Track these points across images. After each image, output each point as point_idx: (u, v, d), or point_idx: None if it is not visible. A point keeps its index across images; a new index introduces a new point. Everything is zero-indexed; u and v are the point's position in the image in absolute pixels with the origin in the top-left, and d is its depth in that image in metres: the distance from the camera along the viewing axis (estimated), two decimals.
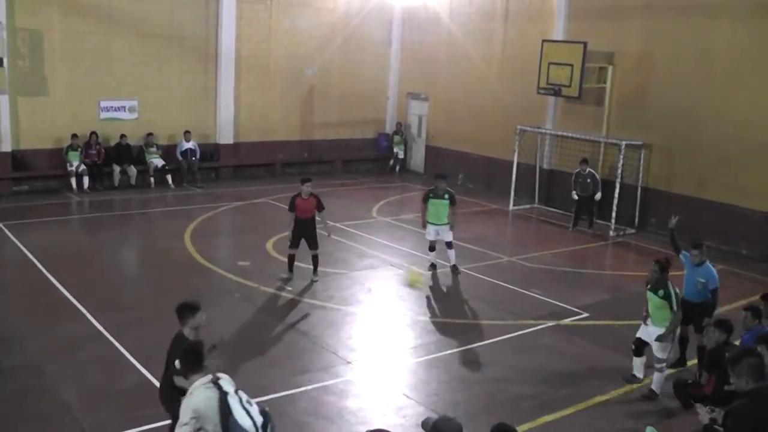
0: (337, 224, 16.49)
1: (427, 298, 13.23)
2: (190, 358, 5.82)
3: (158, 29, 21.69)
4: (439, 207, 14.23)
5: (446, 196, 14.27)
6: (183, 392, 5.78)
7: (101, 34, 20.82)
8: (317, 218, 13.48)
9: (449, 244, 14.44)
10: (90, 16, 20.64)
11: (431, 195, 14.36)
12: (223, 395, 5.49)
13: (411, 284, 13.54)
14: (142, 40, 21.46)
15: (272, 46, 23.85)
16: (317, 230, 13.51)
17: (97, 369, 9.70)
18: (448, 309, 12.87)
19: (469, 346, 11.06)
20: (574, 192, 18.67)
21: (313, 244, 13.44)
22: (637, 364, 10.02)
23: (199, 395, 5.51)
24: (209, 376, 5.63)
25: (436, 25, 24.68)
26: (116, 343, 10.39)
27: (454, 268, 14.48)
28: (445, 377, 10.02)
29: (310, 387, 9.46)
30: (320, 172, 23.97)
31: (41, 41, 20.07)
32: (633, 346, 10.00)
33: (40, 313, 11.57)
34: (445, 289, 13.85)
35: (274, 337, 11.07)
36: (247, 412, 5.50)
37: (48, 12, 20.06)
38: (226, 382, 5.66)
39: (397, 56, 26.41)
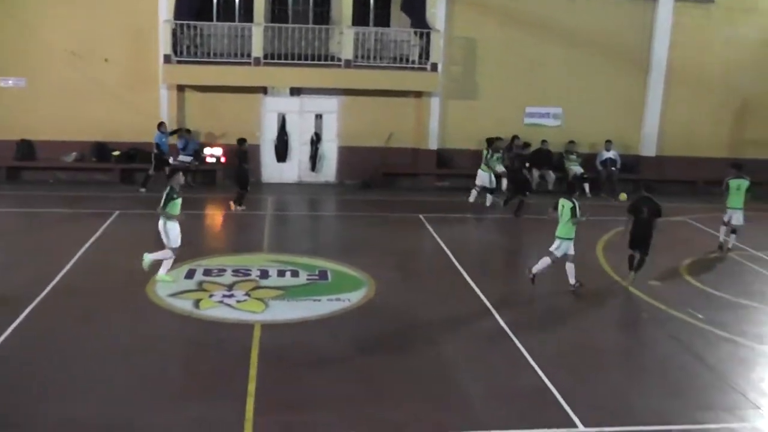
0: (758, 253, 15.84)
1: None
2: None
3: (590, 37, 21.70)
4: None
5: None
6: None
7: (533, 43, 21.46)
8: None
9: None
10: (525, 25, 21.38)
11: None
12: None
13: None
14: (572, 49, 21.64)
15: (707, 56, 22.47)
16: None
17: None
18: None
19: None
20: None
21: None
22: None
23: None
24: None
25: None
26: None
27: None
28: None
29: (713, 426, 8.61)
30: None
31: (475, 49, 21.32)
32: None
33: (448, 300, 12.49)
34: None
35: (678, 366, 10.31)
36: None
37: (485, 21, 21.23)
38: None
39: None
